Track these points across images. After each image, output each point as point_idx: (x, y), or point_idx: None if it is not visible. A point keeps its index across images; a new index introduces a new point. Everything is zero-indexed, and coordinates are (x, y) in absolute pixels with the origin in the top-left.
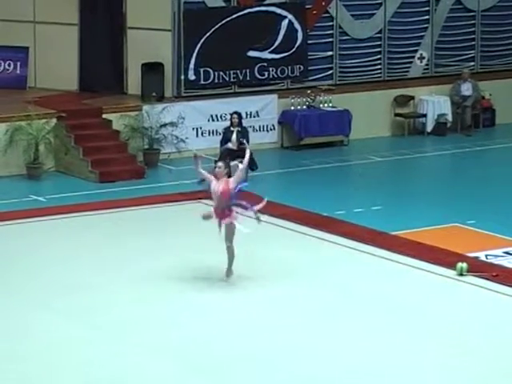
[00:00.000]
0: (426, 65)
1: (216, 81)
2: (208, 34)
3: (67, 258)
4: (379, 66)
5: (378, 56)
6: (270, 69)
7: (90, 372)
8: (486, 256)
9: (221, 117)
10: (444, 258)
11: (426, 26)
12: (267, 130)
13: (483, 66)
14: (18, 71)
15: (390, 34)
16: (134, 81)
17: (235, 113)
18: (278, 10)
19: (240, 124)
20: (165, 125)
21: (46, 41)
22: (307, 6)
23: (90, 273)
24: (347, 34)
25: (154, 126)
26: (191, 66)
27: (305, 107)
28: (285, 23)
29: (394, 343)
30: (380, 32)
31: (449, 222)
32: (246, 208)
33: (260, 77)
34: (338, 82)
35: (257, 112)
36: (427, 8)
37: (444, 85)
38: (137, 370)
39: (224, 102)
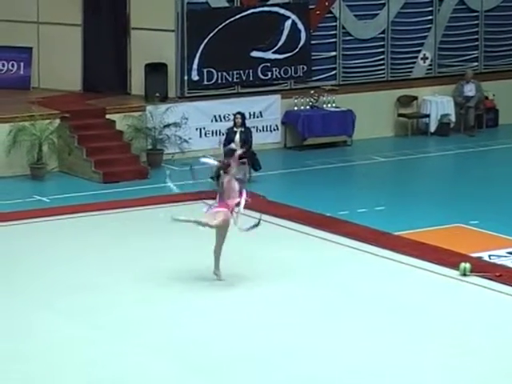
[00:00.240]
0: (430, 65)
1: (219, 81)
2: (211, 35)
3: (71, 258)
4: (382, 67)
5: (382, 56)
6: (274, 69)
7: (93, 372)
8: (490, 256)
9: (224, 117)
10: (447, 258)
11: (429, 26)
12: (270, 131)
13: (486, 67)
14: (22, 72)
15: (394, 34)
16: (137, 81)
17: (238, 113)
18: (282, 11)
19: (243, 124)
20: (168, 125)
21: (50, 41)
22: (310, 7)
23: (93, 273)
24: (350, 35)
25: (158, 127)
26: (195, 66)
27: (308, 107)
28: (288, 23)
29: (397, 343)
30: (383, 32)
31: (452, 222)
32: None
33: (263, 77)
34: (341, 83)
35: (260, 112)
36: (430, 8)
37: (447, 85)
38: (138, 370)
39: (227, 102)
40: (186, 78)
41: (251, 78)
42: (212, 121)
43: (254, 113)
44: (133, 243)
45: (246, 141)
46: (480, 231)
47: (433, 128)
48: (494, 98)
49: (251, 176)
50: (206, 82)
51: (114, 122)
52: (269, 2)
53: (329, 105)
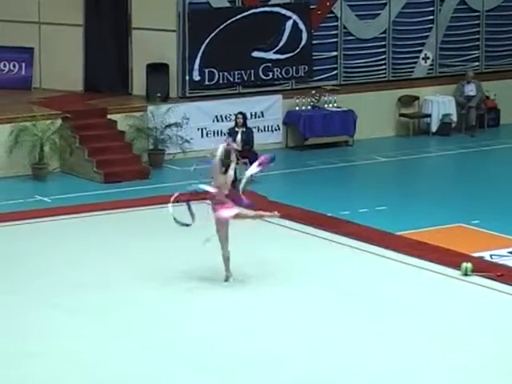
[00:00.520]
0: (431, 65)
1: (221, 81)
2: (213, 35)
3: (72, 258)
4: (384, 67)
5: (383, 56)
6: (275, 69)
7: (96, 371)
8: (491, 256)
9: (225, 117)
10: (449, 258)
11: (430, 26)
12: (272, 131)
13: (488, 66)
14: (23, 72)
15: (395, 34)
16: (138, 81)
17: (240, 113)
18: (283, 11)
19: (245, 124)
20: (169, 125)
21: (51, 42)
22: (312, 7)
23: (95, 273)
24: (352, 35)
25: (159, 127)
26: (196, 66)
27: (309, 107)
28: (289, 23)
29: (399, 343)
30: (384, 32)
31: (453, 222)
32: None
33: (265, 77)
34: (342, 83)
35: (261, 112)
36: (432, 8)
37: (448, 85)
38: (142, 370)
39: (229, 102)
40: (187, 78)
41: (252, 78)
42: (213, 121)
43: (256, 113)
44: (135, 243)
45: (248, 141)
46: (481, 231)
47: (434, 128)
48: (496, 97)
49: (253, 176)
50: (207, 82)
51: (115, 122)
52: (270, 3)
53: (330, 105)
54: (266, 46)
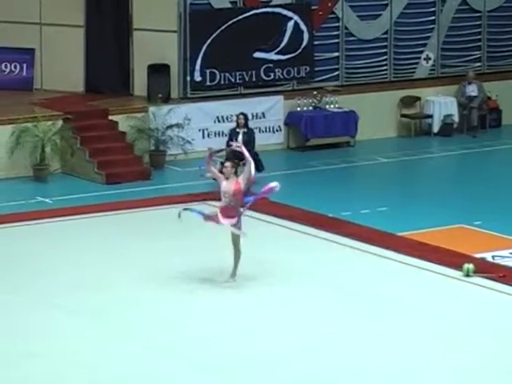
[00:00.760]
0: (433, 65)
1: (222, 82)
2: (214, 36)
3: (74, 258)
4: (385, 67)
5: (384, 57)
6: (276, 70)
7: (97, 371)
8: (493, 257)
9: (227, 118)
10: (450, 258)
11: (432, 26)
12: (273, 131)
13: (490, 67)
14: (24, 73)
15: (396, 34)
16: (140, 82)
17: (241, 114)
18: (284, 11)
19: (246, 125)
20: (171, 126)
21: (52, 42)
22: (313, 7)
23: (96, 274)
24: (353, 35)
25: (160, 128)
26: (197, 67)
27: (311, 108)
28: (291, 24)
29: (400, 344)
30: (386, 33)
31: (455, 222)
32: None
33: (266, 78)
34: (344, 83)
35: (263, 113)
36: (433, 9)
37: (450, 85)
38: (143, 370)
39: (230, 103)
40: (188, 78)
41: (254, 79)
42: (215, 122)
43: (257, 114)
44: (136, 244)
45: (249, 142)
46: (483, 232)
47: (436, 128)
48: (497, 98)
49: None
50: (208, 83)
51: (116, 123)
52: (271, 3)
53: (332, 105)
54: (267, 47)
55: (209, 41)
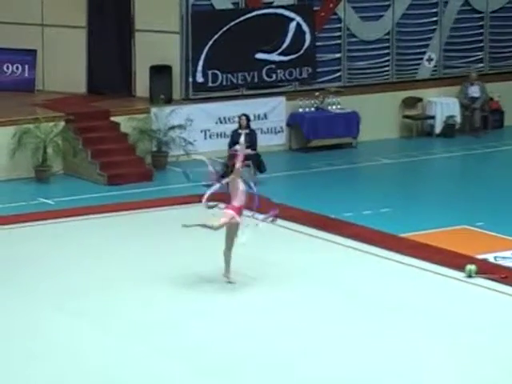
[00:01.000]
0: (435, 66)
1: (224, 83)
2: (216, 37)
3: (76, 260)
4: (387, 68)
5: (387, 58)
6: (278, 71)
7: (99, 373)
8: (495, 258)
9: (229, 119)
10: (453, 259)
11: (434, 27)
12: (275, 132)
13: (492, 68)
14: (26, 74)
15: (399, 35)
16: (142, 83)
17: (243, 115)
18: (286, 12)
19: (248, 126)
20: (173, 127)
21: (54, 44)
22: (315, 8)
23: (99, 275)
24: (355, 36)
25: (162, 129)
26: (199, 68)
27: (313, 109)
28: (293, 25)
29: (402, 345)
30: (388, 34)
31: (457, 223)
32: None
33: (268, 79)
34: (346, 84)
35: (265, 114)
36: (435, 9)
37: (452, 86)
38: (145, 371)
39: (232, 104)
40: (190, 79)
41: (256, 80)
42: (217, 123)
43: (259, 115)
44: (138, 245)
45: (251, 143)
46: (485, 233)
47: (438, 129)
48: (500, 99)
49: (257, 178)
50: (210, 84)
51: (118, 124)
52: (273, 4)
53: (334, 106)
54: (269, 48)
55: (211, 42)
